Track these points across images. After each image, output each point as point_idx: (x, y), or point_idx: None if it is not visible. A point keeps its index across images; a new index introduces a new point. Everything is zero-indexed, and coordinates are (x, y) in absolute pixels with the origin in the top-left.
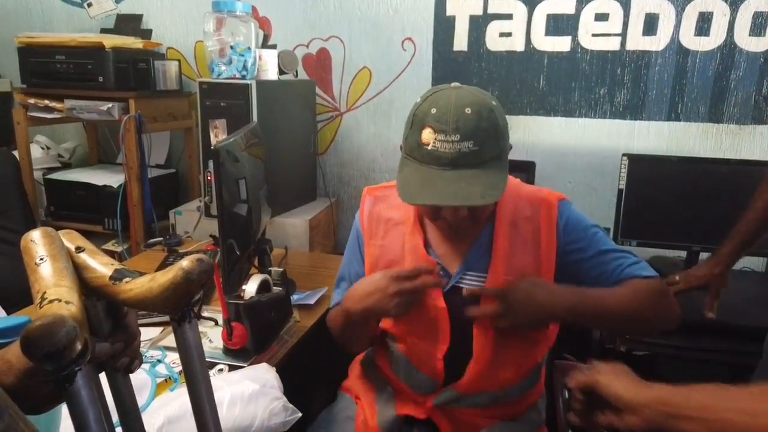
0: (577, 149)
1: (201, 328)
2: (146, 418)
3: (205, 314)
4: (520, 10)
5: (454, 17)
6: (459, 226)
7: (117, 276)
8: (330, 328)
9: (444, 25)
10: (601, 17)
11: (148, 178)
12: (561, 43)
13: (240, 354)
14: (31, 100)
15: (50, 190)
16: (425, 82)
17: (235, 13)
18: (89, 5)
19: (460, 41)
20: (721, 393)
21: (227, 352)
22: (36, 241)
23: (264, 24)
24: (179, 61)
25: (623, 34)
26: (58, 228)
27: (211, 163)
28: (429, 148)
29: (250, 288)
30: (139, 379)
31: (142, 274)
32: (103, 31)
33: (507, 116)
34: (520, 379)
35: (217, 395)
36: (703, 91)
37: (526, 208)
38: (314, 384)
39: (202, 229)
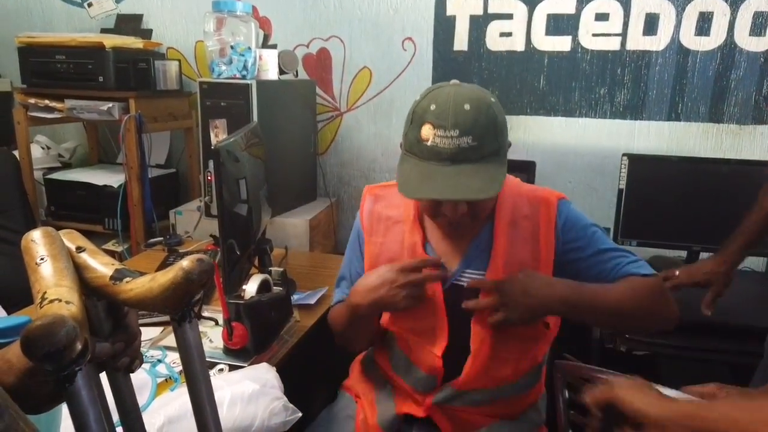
0: (578, 149)
1: (201, 328)
2: (147, 417)
3: (205, 314)
4: (521, 10)
5: (454, 17)
6: (459, 223)
7: (117, 276)
8: (331, 326)
9: (444, 25)
10: (602, 17)
11: (148, 177)
12: (561, 43)
13: (240, 354)
14: (32, 100)
15: (50, 190)
16: (425, 82)
17: (235, 13)
18: (89, 5)
19: (461, 41)
20: (747, 405)
21: (227, 351)
22: (36, 240)
23: (264, 24)
24: (179, 61)
25: (623, 34)
26: (58, 228)
27: (211, 163)
28: (428, 143)
29: (251, 288)
30: (140, 378)
31: (142, 274)
32: (104, 31)
33: (507, 116)
34: (519, 377)
35: (218, 395)
36: (703, 91)
37: (526, 207)
38: (314, 384)
39: (202, 229)
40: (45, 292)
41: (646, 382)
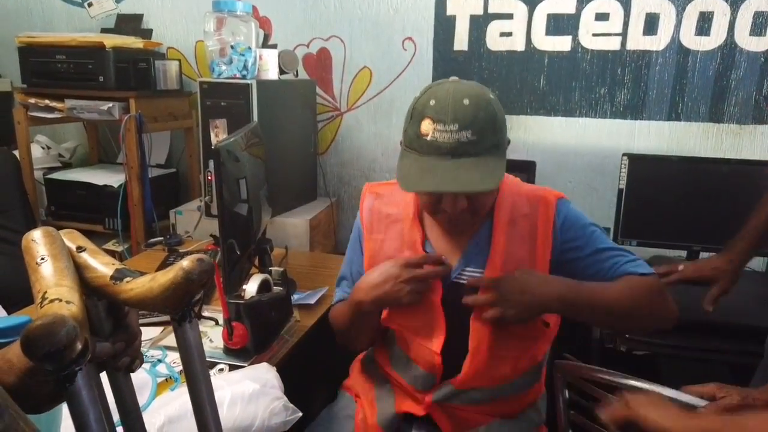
0: (578, 149)
1: (201, 328)
2: (147, 417)
3: (205, 314)
4: (521, 10)
5: (454, 17)
6: (458, 219)
7: (118, 276)
8: (332, 326)
9: (444, 25)
10: (602, 17)
11: (148, 177)
12: (561, 43)
13: (240, 354)
14: (32, 100)
15: (51, 190)
16: (426, 82)
17: (235, 13)
18: (90, 5)
19: (461, 41)
20: None
21: (228, 351)
22: (37, 240)
23: (264, 24)
24: (180, 60)
25: (624, 34)
26: (58, 228)
27: (211, 163)
28: (428, 138)
29: (251, 288)
30: (140, 378)
31: (142, 273)
32: (104, 30)
33: (507, 116)
34: (519, 376)
35: (218, 395)
36: (703, 90)
37: (525, 206)
38: (315, 383)
39: (202, 229)
40: (45, 292)
41: (663, 397)
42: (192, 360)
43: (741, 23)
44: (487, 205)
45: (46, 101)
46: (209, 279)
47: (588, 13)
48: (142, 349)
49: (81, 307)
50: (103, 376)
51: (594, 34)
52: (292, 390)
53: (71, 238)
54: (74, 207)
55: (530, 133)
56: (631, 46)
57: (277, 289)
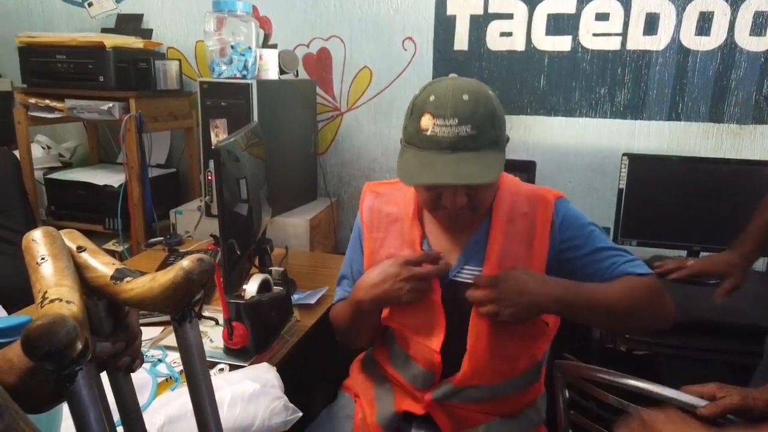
0: (578, 149)
1: (202, 328)
2: (147, 417)
3: (205, 314)
4: (521, 10)
5: (454, 17)
6: (458, 216)
7: (118, 275)
8: (333, 325)
9: (444, 25)
10: (602, 17)
11: (148, 177)
12: (561, 43)
13: (241, 353)
14: (32, 100)
15: (51, 190)
16: (426, 82)
17: (235, 13)
18: (90, 5)
19: (461, 41)
20: None
21: (228, 351)
22: (37, 240)
23: (264, 23)
24: (180, 60)
25: (624, 34)
26: (58, 228)
27: (211, 163)
28: (428, 133)
29: (251, 287)
30: (140, 378)
31: (143, 273)
32: (104, 30)
33: (507, 116)
34: (518, 375)
35: (218, 395)
36: (703, 90)
37: (524, 205)
38: (315, 383)
39: (202, 229)
40: (46, 292)
41: (680, 413)
42: (192, 360)
43: (741, 23)
44: (486, 202)
45: (47, 101)
46: (209, 279)
47: (588, 13)
48: (143, 349)
49: (81, 307)
50: (104, 376)
51: (594, 34)
52: (293, 390)
53: (71, 238)
54: (74, 207)
55: (530, 133)
56: (631, 46)
57: (277, 289)
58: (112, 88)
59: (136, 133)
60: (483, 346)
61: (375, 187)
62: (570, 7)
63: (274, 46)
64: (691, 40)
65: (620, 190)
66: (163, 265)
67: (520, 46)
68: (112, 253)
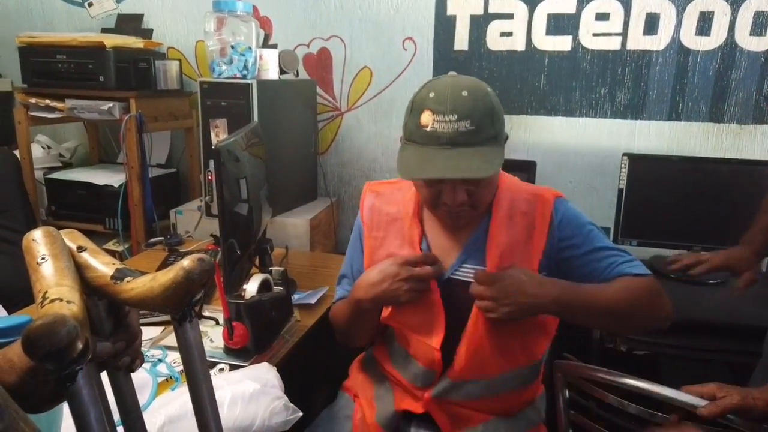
0: (578, 149)
1: (202, 328)
2: (147, 417)
3: (206, 314)
4: (521, 10)
5: (454, 17)
6: (458, 213)
7: (118, 275)
8: (333, 323)
9: (445, 25)
10: (602, 17)
11: (148, 177)
12: (562, 43)
13: (241, 353)
14: (32, 100)
15: (51, 190)
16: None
17: (235, 13)
18: (90, 5)
19: (461, 41)
20: None
21: (228, 351)
22: (38, 240)
23: (265, 23)
24: (180, 60)
25: (624, 34)
26: (59, 228)
27: (211, 163)
28: (428, 129)
29: (251, 287)
30: (141, 378)
31: (143, 273)
32: (104, 30)
33: (508, 116)
34: (515, 369)
35: (218, 395)
36: (703, 90)
37: (523, 204)
38: (315, 383)
39: (202, 229)
40: (46, 292)
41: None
42: (192, 360)
43: (741, 23)
44: (486, 200)
45: (47, 101)
46: (210, 279)
47: (588, 13)
48: (143, 349)
49: (82, 307)
50: (104, 376)
51: (594, 34)
52: (293, 390)
53: (72, 238)
54: (75, 207)
55: (530, 133)
56: (631, 45)
57: (277, 288)
58: (113, 88)
59: (136, 133)
60: (480, 336)
61: (375, 187)
62: (570, 7)
63: (275, 46)
64: (691, 40)
65: (620, 190)
66: (164, 265)
67: (520, 46)
68: (112, 253)
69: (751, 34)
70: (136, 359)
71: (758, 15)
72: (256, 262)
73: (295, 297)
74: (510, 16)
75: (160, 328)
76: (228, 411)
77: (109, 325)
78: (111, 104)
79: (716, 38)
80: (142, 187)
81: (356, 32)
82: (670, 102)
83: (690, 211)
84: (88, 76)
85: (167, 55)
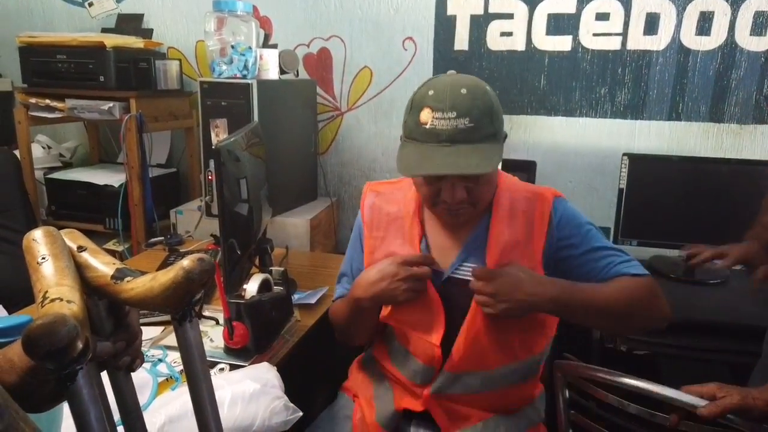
0: (578, 149)
1: (202, 328)
2: (148, 417)
3: (206, 313)
4: (521, 10)
5: (454, 17)
6: (458, 211)
7: (118, 275)
8: (332, 322)
9: (445, 25)
10: (602, 17)
11: (149, 177)
12: (562, 43)
13: (241, 353)
14: (33, 100)
15: (51, 190)
16: None
17: (236, 13)
18: (90, 5)
19: (461, 41)
20: None
21: (228, 351)
22: (38, 240)
23: (265, 23)
24: (180, 60)
25: (624, 34)
26: (59, 227)
27: (212, 163)
28: (427, 126)
29: (251, 287)
30: (141, 378)
31: (143, 273)
32: (104, 30)
33: (507, 116)
34: (512, 363)
35: (218, 394)
36: (704, 90)
37: (523, 203)
38: (315, 383)
39: (203, 229)
40: (46, 292)
41: None
42: (192, 359)
43: (741, 23)
44: (485, 198)
45: (47, 101)
46: (210, 278)
47: (588, 13)
48: (143, 349)
49: (82, 307)
50: (104, 376)
51: (594, 34)
52: (293, 389)
53: (72, 238)
54: (75, 207)
55: (530, 133)
56: (631, 45)
57: (277, 288)
58: (113, 88)
59: (136, 132)
60: (478, 328)
61: (376, 187)
62: (570, 7)
63: (275, 46)
64: (691, 39)
65: (620, 190)
66: (164, 265)
67: (520, 46)
68: (112, 252)
69: (751, 34)
70: (137, 359)
71: (758, 15)
72: (257, 262)
73: (295, 297)
74: (510, 16)
75: (160, 328)
76: (228, 411)
77: (110, 325)
78: (111, 104)
79: (716, 38)
80: (142, 187)
81: (356, 32)
82: (670, 102)
83: (690, 211)
84: (89, 76)
85: (167, 55)
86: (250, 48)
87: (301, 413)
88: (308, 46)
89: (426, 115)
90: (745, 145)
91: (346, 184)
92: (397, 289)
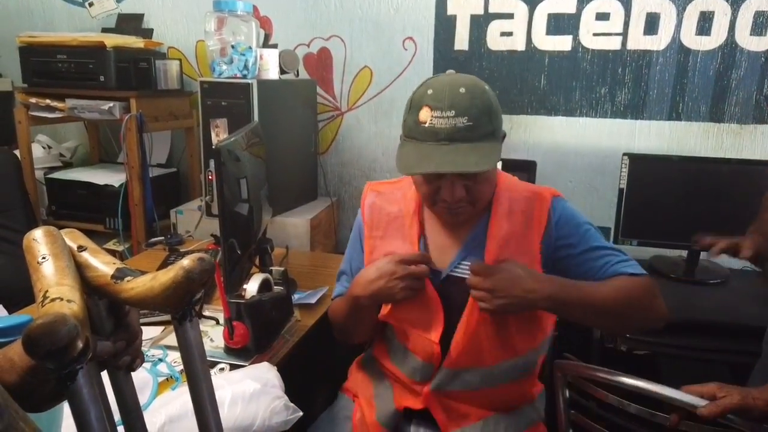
0: (578, 149)
1: (202, 327)
2: (148, 417)
3: (206, 313)
4: (521, 10)
5: (455, 16)
6: (458, 210)
7: (118, 275)
8: (331, 319)
9: (445, 25)
10: (602, 17)
11: (149, 177)
12: (562, 43)
13: (241, 353)
14: (33, 100)
15: (51, 190)
16: None
17: (236, 13)
18: (90, 5)
19: (461, 40)
20: None
21: (228, 351)
22: (38, 240)
23: (265, 23)
24: (180, 60)
25: (624, 34)
26: (59, 227)
27: (212, 163)
28: (426, 125)
29: (252, 287)
30: (141, 378)
31: (143, 273)
32: (105, 30)
33: (508, 116)
34: (510, 360)
35: (219, 394)
36: (704, 90)
37: (522, 202)
38: (315, 383)
39: (203, 229)
40: (46, 291)
41: None
42: (193, 359)
43: (741, 23)
44: (484, 196)
45: (47, 101)
46: (210, 278)
47: (588, 13)
48: (143, 349)
49: (82, 306)
50: (104, 376)
51: (594, 34)
52: (293, 389)
53: (72, 238)
54: (75, 206)
55: (530, 133)
56: (631, 45)
57: (277, 288)
58: (113, 88)
59: (136, 132)
60: (475, 324)
61: (376, 187)
62: (570, 7)
63: (275, 46)
64: (691, 39)
65: (621, 190)
66: (164, 265)
67: (520, 45)
68: (112, 252)
69: (751, 34)
70: (137, 359)
71: (758, 15)
72: (257, 261)
73: (296, 297)
74: (510, 16)
75: (160, 328)
76: (228, 410)
77: (110, 325)
78: (111, 104)
79: (716, 38)
80: (142, 186)
81: (356, 32)
82: (670, 102)
83: (690, 211)
84: (89, 76)
85: (167, 54)
86: (250, 48)
87: (301, 413)
88: (308, 45)
89: (425, 114)
90: (745, 145)
91: (346, 184)
92: (395, 287)
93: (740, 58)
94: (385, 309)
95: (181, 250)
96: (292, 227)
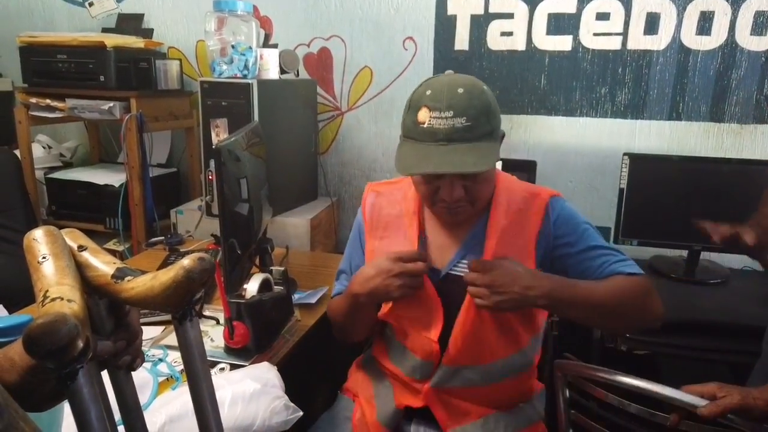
0: (578, 149)
1: (202, 327)
2: (148, 416)
3: (206, 313)
4: (521, 10)
5: (455, 16)
6: (457, 209)
7: (119, 274)
8: (330, 317)
9: (445, 25)
10: (603, 16)
11: (149, 177)
12: (562, 43)
13: (241, 353)
14: (33, 100)
15: (52, 190)
16: None
17: (236, 13)
18: (91, 5)
19: (461, 40)
20: None
21: (229, 351)
22: (38, 239)
23: (265, 23)
24: (180, 60)
25: (624, 34)
26: (59, 227)
27: (212, 163)
28: (425, 126)
29: (252, 287)
30: (141, 377)
31: (143, 272)
32: (105, 30)
33: (508, 116)
34: (507, 356)
35: (219, 394)
36: (704, 90)
37: (520, 201)
38: (315, 383)
39: (203, 229)
40: (47, 291)
41: None
42: (193, 359)
43: (742, 23)
44: (483, 196)
45: (47, 101)
46: (210, 278)
47: (589, 13)
48: (143, 348)
49: (82, 306)
50: (105, 375)
51: (595, 34)
52: (293, 389)
53: (72, 237)
54: (75, 206)
55: (531, 132)
56: (631, 45)
57: (277, 288)
58: (113, 88)
59: (136, 132)
60: (472, 321)
61: (376, 187)
62: (570, 7)
63: (275, 46)
64: (691, 39)
65: (621, 190)
66: (164, 265)
67: (520, 45)
68: (112, 252)
69: (751, 34)
70: (137, 358)
71: (759, 15)
72: (257, 261)
73: (296, 297)
74: (510, 16)
75: (160, 328)
76: (228, 410)
77: (110, 324)
78: (111, 104)
79: (717, 38)
80: (142, 186)
81: (357, 32)
82: (670, 102)
83: (690, 211)
84: (89, 76)
85: (168, 54)
86: (250, 48)
87: (301, 413)
88: (308, 45)
89: (423, 115)
90: (745, 145)
91: (346, 184)
92: (391, 285)
93: (740, 57)
94: (385, 308)
95: (181, 250)
96: (293, 227)
